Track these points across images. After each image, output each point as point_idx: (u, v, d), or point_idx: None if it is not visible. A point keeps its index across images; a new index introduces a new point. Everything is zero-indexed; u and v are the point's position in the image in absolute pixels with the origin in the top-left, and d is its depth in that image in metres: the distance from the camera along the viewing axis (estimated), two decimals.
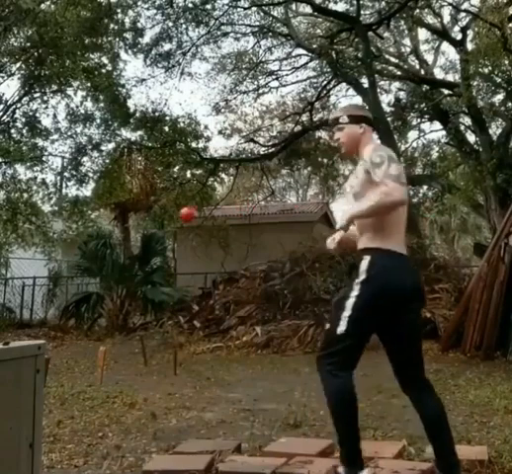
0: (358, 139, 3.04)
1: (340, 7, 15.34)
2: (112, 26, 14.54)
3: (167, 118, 15.43)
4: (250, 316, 10.31)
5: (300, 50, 16.19)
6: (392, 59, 17.05)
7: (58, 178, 15.62)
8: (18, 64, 14.14)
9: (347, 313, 2.77)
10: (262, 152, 16.41)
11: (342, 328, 2.77)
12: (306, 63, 16.80)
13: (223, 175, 17.00)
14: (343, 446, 2.85)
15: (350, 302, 2.79)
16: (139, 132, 15.69)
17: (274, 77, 17.19)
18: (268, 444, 3.72)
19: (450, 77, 16.79)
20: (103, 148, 15.26)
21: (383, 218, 2.83)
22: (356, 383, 2.83)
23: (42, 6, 13.41)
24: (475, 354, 7.85)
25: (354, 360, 2.86)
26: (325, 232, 10.99)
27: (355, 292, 2.80)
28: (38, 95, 14.74)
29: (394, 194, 2.67)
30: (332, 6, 15.01)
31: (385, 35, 16.13)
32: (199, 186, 15.44)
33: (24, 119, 14.80)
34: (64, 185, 15.59)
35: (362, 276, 2.81)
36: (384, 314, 2.83)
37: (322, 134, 18.50)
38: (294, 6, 16.02)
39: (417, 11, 14.30)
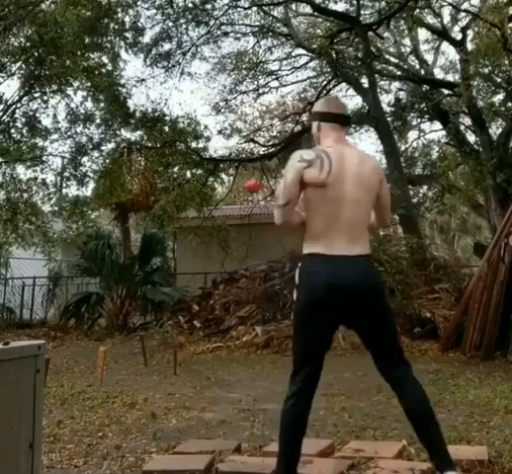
0: (316, 136, 3.04)
1: (340, 7, 15.37)
2: (112, 25, 14.54)
3: (167, 118, 15.43)
4: (250, 316, 10.31)
5: (300, 50, 16.20)
6: (392, 59, 17.04)
7: (58, 178, 15.63)
8: (18, 64, 14.13)
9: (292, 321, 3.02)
10: (262, 152, 16.40)
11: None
12: (306, 63, 16.82)
13: (223, 175, 16.99)
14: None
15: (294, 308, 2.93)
16: (139, 132, 15.71)
17: (274, 77, 17.20)
18: (268, 444, 3.72)
19: (450, 77, 16.80)
20: (103, 148, 15.27)
21: (309, 223, 2.90)
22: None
23: (43, 6, 13.41)
24: (475, 354, 7.84)
25: None
26: None
27: (295, 298, 2.94)
28: (38, 95, 14.74)
29: (275, 218, 2.86)
30: (332, 6, 15.02)
31: (385, 35, 16.11)
32: (198, 186, 15.43)
33: (24, 119, 14.80)
34: (64, 185, 15.60)
35: (297, 282, 2.90)
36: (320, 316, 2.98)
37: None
38: (294, 6, 16.01)
39: (417, 11, 14.26)
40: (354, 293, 2.76)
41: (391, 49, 17.46)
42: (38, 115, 14.81)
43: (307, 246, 2.85)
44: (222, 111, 17.34)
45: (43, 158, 14.62)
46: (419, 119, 17.13)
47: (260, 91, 17.29)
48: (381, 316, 2.84)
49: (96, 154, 15.18)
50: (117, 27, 14.62)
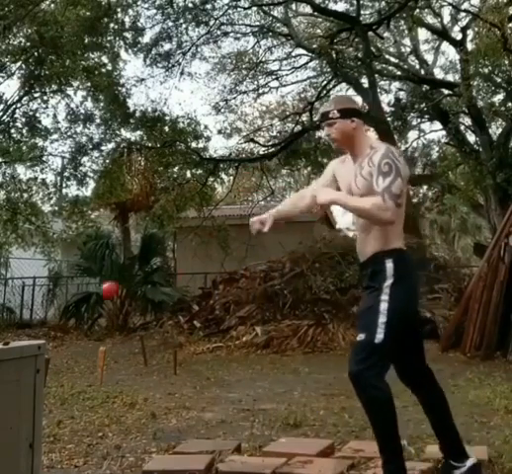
0: (351, 135, 2.92)
1: (340, 7, 15.38)
2: (112, 25, 14.54)
3: (167, 117, 15.43)
4: (250, 316, 10.30)
5: (300, 50, 16.21)
6: (392, 59, 17.04)
7: (58, 178, 15.64)
8: (18, 64, 14.14)
9: (383, 319, 2.69)
10: (262, 152, 16.41)
11: (380, 336, 2.67)
12: (306, 63, 16.82)
13: (223, 175, 17.01)
14: (388, 453, 2.77)
15: (383, 307, 2.72)
16: (139, 132, 15.70)
17: (274, 77, 17.21)
18: (268, 444, 3.73)
19: (450, 77, 16.80)
20: (103, 148, 15.28)
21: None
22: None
23: (42, 5, 13.41)
24: (475, 354, 7.84)
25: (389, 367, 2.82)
26: (325, 232, 11.01)
27: (385, 296, 2.73)
28: (38, 95, 14.74)
29: (388, 214, 2.71)
30: (332, 6, 15.02)
31: (385, 35, 16.11)
32: (198, 186, 15.44)
33: (24, 119, 14.80)
34: (64, 185, 15.61)
35: (390, 280, 2.76)
36: (413, 313, 2.91)
37: (322, 134, 18.49)
38: (294, 6, 16.01)
39: (417, 11, 14.27)
40: None
41: (391, 49, 17.46)
42: (38, 115, 14.82)
43: (395, 240, 2.87)
44: (222, 110, 17.36)
45: (43, 158, 14.63)
46: (419, 119, 17.13)
47: (260, 91, 17.31)
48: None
49: (96, 154, 15.20)
50: (116, 27, 14.62)
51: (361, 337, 2.74)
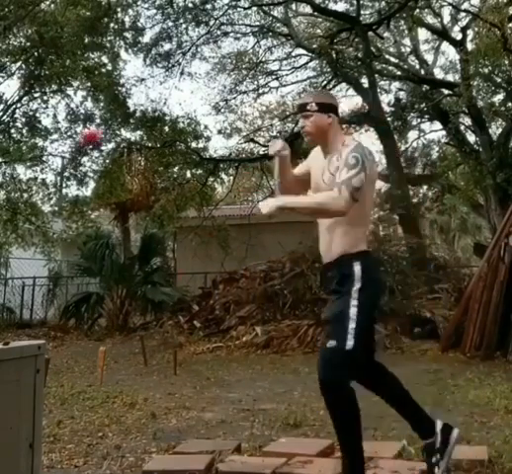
0: (325, 130, 2.87)
1: (340, 7, 15.39)
2: (112, 25, 14.54)
3: (167, 117, 15.43)
4: (250, 316, 10.31)
5: (300, 50, 16.21)
6: (392, 59, 17.04)
7: (58, 178, 15.63)
8: (18, 64, 14.14)
9: (353, 325, 2.66)
10: (262, 152, 16.40)
11: (351, 342, 2.64)
12: (306, 63, 16.82)
13: (223, 175, 17.01)
14: (356, 454, 2.78)
15: (353, 312, 2.69)
16: (139, 132, 15.70)
17: (274, 77, 17.21)
18: (268, 444, 3.73)
19: (450, 77, 16.81)
20: (103, 148, 15.27)
21: (359, 221, 2.82)
22: (354, 383, 2.83)
23: (43, 5, 13.42)
24: (475, 354, 7.84)
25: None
26: None
27: (355, 301, 2.70)
28: (38, 95, 14.74)
29: (342, 204, 2.67)
30: (332, 6, 15.03)
31: (385, 35, 16.12)
32: (198, 186, 15.44)
33: (24, 119, 14.80)
34: (64, 185, 15.60)
35: (358, 284, 2.72)
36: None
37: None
38: (294, 6, 16.01)
39: (417, 11, 14.28)
40: None
41: (391, 49, 17.46)
42: (38, 115, 14.82)
43: (361, 243, 2.83)
44: (222, 110, 17.36)
45: (43, 158, 14.62)
46: (419, 119, 17.14)
47: (260, 91, 17.32)
48: None
49: (96, 154, 15.19)
50: (117, 27, 14.62)
51: (331, 344, 2.71)
